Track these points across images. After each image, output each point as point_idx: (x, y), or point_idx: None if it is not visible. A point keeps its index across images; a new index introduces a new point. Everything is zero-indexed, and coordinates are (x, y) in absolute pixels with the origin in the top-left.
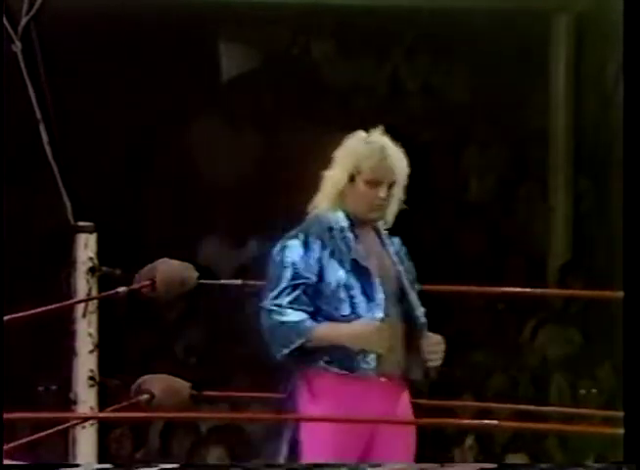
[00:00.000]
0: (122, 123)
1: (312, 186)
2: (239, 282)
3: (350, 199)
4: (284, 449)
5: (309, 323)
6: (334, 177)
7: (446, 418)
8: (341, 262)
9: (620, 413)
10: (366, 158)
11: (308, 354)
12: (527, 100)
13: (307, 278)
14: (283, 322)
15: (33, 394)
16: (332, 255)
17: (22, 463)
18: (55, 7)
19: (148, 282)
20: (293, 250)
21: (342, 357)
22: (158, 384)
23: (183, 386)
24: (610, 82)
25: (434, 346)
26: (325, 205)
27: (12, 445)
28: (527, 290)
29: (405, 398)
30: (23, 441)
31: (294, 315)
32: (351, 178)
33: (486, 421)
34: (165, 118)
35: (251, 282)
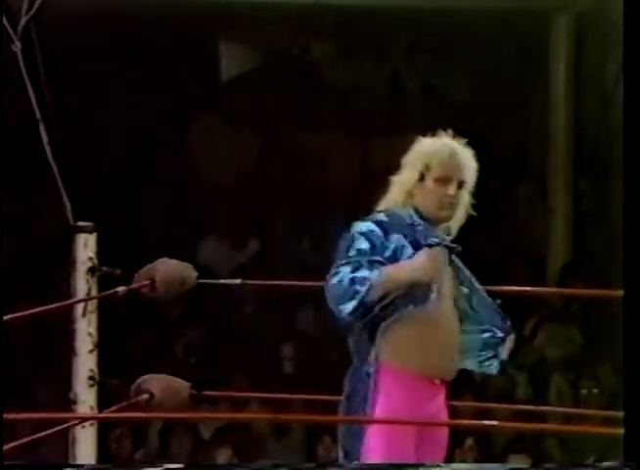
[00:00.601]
0: (122, 123)
1: (312, 186)
2: (239, 282)
3: (419, 198)
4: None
5: (368, 273)
6: (402, 178)
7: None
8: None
9: (620, 413)
10: (435, 154)
11: (375, 310)
12: (527, 100)
13: (379, 260)
14: (345, 279)
15: (33, 394)
16: (412, 246)
17: (22, 463)
18: (55, 7)
19: (147, 282)
20: (371, 233)
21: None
22: (157, 384)
23: (183, 386)
24: (610, 82)
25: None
26: (395, 204)
27: (12, 444)
28: (528, 289)
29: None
30: (23, 441)
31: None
32: (421, 177)
33: (486, 421)
34: (165, 118)
35: (251, 282)
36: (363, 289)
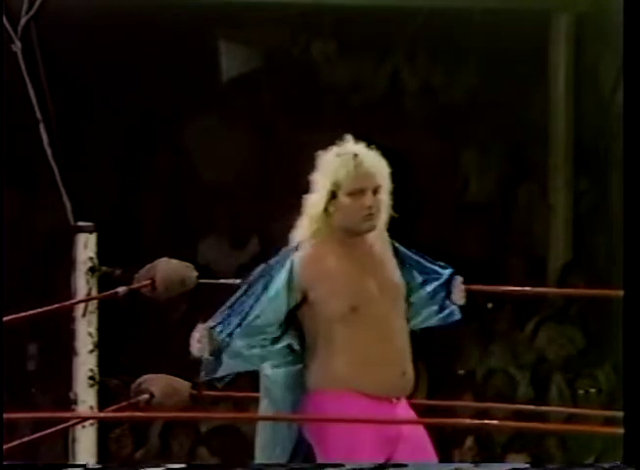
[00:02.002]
0: (122, 123)
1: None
2: (239, 282)
3: (337, 216)
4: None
5: None
6: (315, 199)
7: (446, 418)
8: None
9: (620, 413)
10: (340, 169)
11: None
12: (527, 100)
13: None
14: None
15: (33, 394)
16: None
17: (22, 463)
18: (55, 7)
19: (148, 282)
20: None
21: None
22: (158, 384)
23: (183, 386)
24: (610, 83)
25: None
26: (310, 234)
27: (12, 444)
28: (528, 289)
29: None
30: (23, 440)
31: None
32: (333, 195)
33: (486, 421)
34: (165, 118)
35: None
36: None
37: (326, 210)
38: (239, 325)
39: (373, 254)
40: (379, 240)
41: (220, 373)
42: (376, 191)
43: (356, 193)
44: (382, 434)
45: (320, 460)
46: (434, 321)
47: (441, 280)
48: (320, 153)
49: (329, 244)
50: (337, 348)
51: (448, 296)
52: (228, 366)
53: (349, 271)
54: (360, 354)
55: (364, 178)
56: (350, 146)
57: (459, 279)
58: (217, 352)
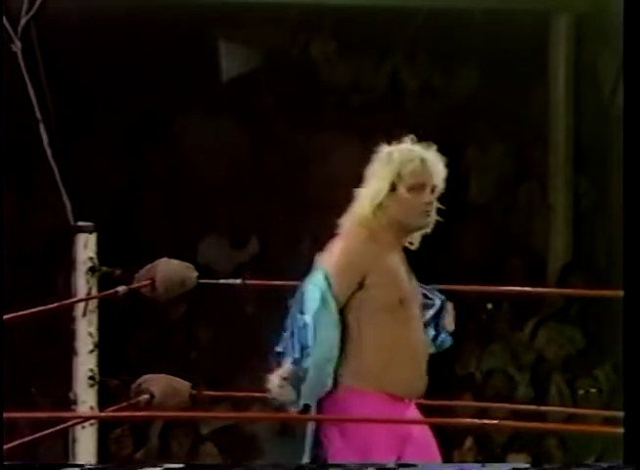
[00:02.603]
0: (122, 123)
1: (312, 186)
2: (239, 282)
3: (393, 209)
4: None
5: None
6: (372, 189)
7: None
8: None
9: (620, 413)
10: (406, 162)
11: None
12: (527, 100)
13: None
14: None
15: (33, 394)
16: None
17: (22, 463)
18: (55, 7)
19: (147, 282)
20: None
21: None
22: (158, 384)
23: (183, 386)
24: (610, 83)
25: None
26: (363, 218)
27: (12, 444)
28: (528, 289)
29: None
30: (23, 440)
31: None
32: (392, 187)
33: (486, 421)
34: (165, 118)
35: (251, 282)
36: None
37: (381, 203)
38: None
39: (404, 259)
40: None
41: (301, 404)
42: (433, 190)
43: (417, 188)
44: (395, 433)
45: (333, 458)
46: (430, 349)
47: (436, 307)
48: (380, 146)
49: (379, 235)
50: (374, 342)
51: (439, 321)
52: (307, 395)
53: (396, 264)
54: (393, 352)
55: (427, 175)
56: (411, 144)
57: (450, 305)
58: (299, 386)
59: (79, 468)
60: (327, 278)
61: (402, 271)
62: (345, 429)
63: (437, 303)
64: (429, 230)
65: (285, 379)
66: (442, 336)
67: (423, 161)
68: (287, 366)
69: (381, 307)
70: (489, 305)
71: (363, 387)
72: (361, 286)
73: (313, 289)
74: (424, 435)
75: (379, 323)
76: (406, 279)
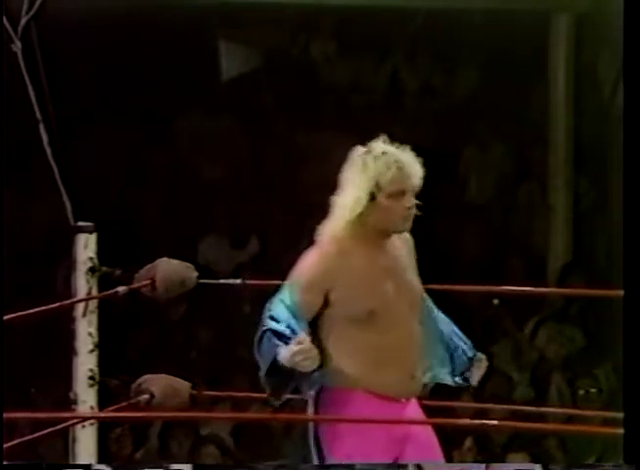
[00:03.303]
0: (122, 123)
1: (312, 186)
2: (239, 282)
3: (375, 217)
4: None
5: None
6: (351, 201)
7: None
8: None
9: (620, 414)
10: (383, 171)
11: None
12: (527, 100)
13: None
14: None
15: (33, 394)
16: None
17: (22, 463)
18: (55, 7)
19: (147, 282)
20: None
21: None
22: (158, 384)
23: (183, 386)
24: (609, 83)
25: None
26: (342, 230)
27: (12, 444)
28: (528, 289)
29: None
30: (23, 440)
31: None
32: (371, 196)
33: (486, 421)
34: (165, 118)
35: (251, 282)
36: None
37: (361, 212)
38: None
39: (395, 256)
40: (400, 241)
41: (288, 391)
42: (412, 192)
43: (397, 195)
44: (391, 433)
45: (329, 459)
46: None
47: (465, 362)
48: (351, 152)
49: (354, 244)
50: (350, 349)
51: (466, 373)
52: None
53: (371, 274)
54: (372, 357)
55: (406, 180)
56: (384, 146)
57: (483, 362)
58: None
59: (79, 468)
60: (292, 294)
61: (380, 278)
62: (338, 429)
63: (469, 355)
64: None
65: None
66: (460, 379)
67: (400, 167)
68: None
69: (348, 321)
70: (496, 301)
71: (352, 387)
72: (327, 303)
73: (278, 303)
74: (425, 435)
75: (349, 334)
76: (383, 286)
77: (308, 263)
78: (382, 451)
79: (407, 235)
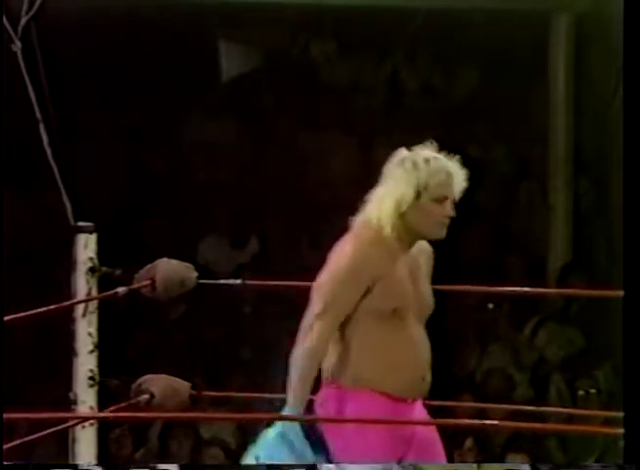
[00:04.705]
0: (122, 123)
1: (312, 186)
2: (239, 282)
3: (414, 216)
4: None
5: None
6: (396, 195)
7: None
8: None
9: (620, 414)
10: (434, 173)
11: None
12: (527, 100)
13: None
14: None
15: (33, 394)
16: None
17: (22, 463)
18: (55, 7)
19: (147, 282)
20: None
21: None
22: (158, 384)
23: (183, 386)
24: (610, 83)
25: None
26: (387, 219)
27: (12, 444)
28: (527, 290)
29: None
30: (23, 440)
31: None
32: (418, 196)
33: (487, 421)
34: (165, 118)
35: (251, 282)
36: None
37: (404, 210)
38: None
39: (417, 261)
40: (418, 250)
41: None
42: (453, 202)
43: (440, 200)
44: (397, 434)
45: (334, 458)
46: None
47: None
48: (394, 159)
49: (391, 239)
50: (369, 345)
51: None
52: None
53: (402, 272)
54: (388, 356)
55: (452, 188)
56: (434, 152)
57: None
58: None
59: (72, 469)
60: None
61: (406, 279)
62: (343, 429)
63: None
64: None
65: None
66: None
67: (449, 173)
68: None
69: (370, 315)
70: (490, 305)
71: (361, 387)
72: (365, 295)
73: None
74: (430, 436)
75: (368, 329)
76: (408, 287)
77: (353, 255)
78: (387, 452)
79: (428, 246)
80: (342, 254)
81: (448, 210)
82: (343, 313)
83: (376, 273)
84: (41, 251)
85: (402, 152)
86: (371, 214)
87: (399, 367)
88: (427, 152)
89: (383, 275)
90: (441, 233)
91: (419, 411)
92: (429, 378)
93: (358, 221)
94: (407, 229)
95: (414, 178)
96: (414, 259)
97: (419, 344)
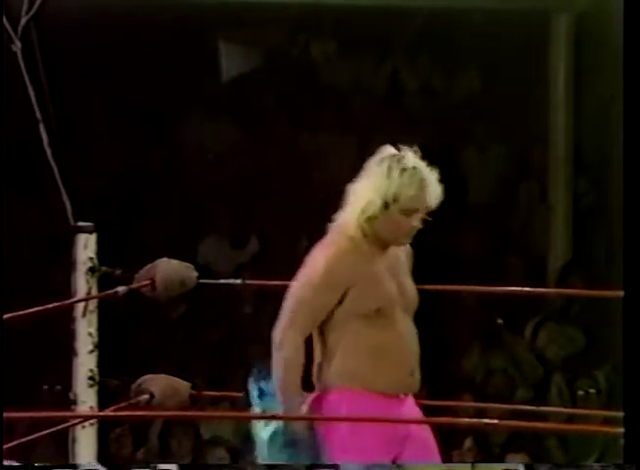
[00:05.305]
0: (122, 123)
1: (312, 186)
2: (239, 282)
3: (381, 225)
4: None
5: None
6: (364, 202)
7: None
8: None
9: (620, 413)
10: (406, 186)
11: None
12: (527, 100)
13: None
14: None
15: (33, 393)
16: None
17: (21, 463)
18: (55, 7)
19: (147, 282)
20: None
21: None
22: (158, 384)
23: (183, 386)
24: (609, 83)
25: None
26: (354, 231)
27: (11, 444)
28: (528, 290)
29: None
30: (24, 440)
31: None
32: (386, 205)
33: (486, 421)
34: (165, 118)
35: (251, 282)
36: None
37: (371, 216)
38: None
39: (396, 257)
40: (401, 249)
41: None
42: (424, 212)
43: (410, 212)
44: (391, 433)
45: (329, 458)
46: None
47: None
48: (377, 156)
49: (365, 242)
50: (354, 347)
51: None
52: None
53: (380, 272)
54: (375, 354)
55: (424, 200)
56: (416, 160)
57: None
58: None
59: (72, 468)
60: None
61: (385, 278)
62: (337, 429)
63: None
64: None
65: None
66: None
67: (423, 187)
68: None
69: (354, 318)
70: (500, 321)
71: (351, 387)
72: (341, 300)
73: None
74: (424, 434)
75: (353, 330)
76: (389, 285)
77: (326, 261)
78: (382, 451)
79: (408, 246)
80: (314, 261)
81: (415, 222)
82: (316, 321)
83: (349, 279)
84: (41, 251)
85: (387, 150)
86: (341, 221)
87: (389, 365)
88: (407, 159)
89: (357, 280)
90: (406, 242)
91: (411, 408)
92: (418, 373)
93: (333, 225)
94: (374, 235)
95: (384, 188)
96: (393, 256)
97: (407, 339)
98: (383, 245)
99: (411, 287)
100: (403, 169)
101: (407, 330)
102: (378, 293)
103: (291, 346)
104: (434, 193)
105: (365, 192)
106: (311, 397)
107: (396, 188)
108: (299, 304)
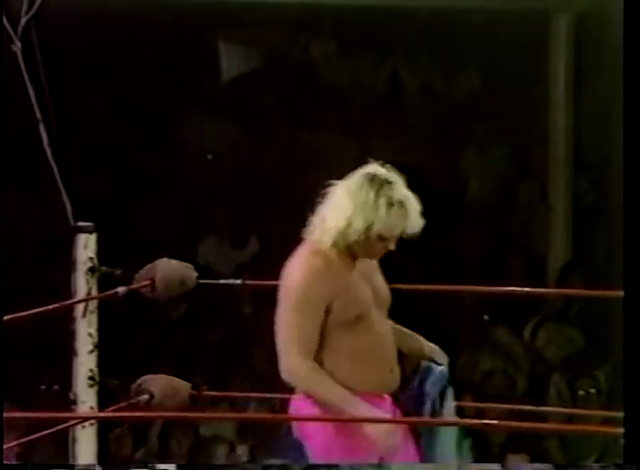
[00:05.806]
0: (122, 123)
1: (312, 186)
2: (239, 282)
3: (357, 245)
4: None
5: None
6: (347, 223)
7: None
8: None
9: (620, 414)
10: (388, 217)
11: None
12: (527, 100)
13: None
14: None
15: (33, 394)
16: None
17: (21, 463)
18: (55, 7)
19: (147, 282)
20: None
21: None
22: (158, 384)
23: (183, 386)
24: (609, 83)
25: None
26: (329, 248)
27: (12, 444)
28: (528, 290)
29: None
30: (24, 440)
31: None
32: (366, 231)
33: (487, 421)
34: (165, 118)
35: (251, 282)
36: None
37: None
38: None
39: (369, 263)
40: None
41: None
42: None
43: (387, 238)
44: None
45: (313, 460)
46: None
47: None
48: (364, 172)
49: (336, 254)
50: (338, 353)
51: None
52: None
53: (355, 280)
54: (359, 357)
55: (404, 230)
56: (398, 187)
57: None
58: None
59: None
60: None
61: (360, 284)
62: (324, 431)
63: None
64: None
65: None
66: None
67: (404, 217)
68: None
69: (336, 326)
70: (486, 317)
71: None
72: (326, 313)
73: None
74: (403, 435)
75: (335, 338)
76: (364, 290)
77: (305, 282)
78: (370, 451)
79: None
80: (292, 282)
81: (392, 245)
82: (314, 338)
83: (328, 295)
84: (41, 251)
85: (375, 169)
86: (320, 234)
87: (371, 365)
88: (395, 190)
89: (336, 293)
90: (375, 258)
91: (392, 408)
92: (397, 369)
93: (308, 240)
94: (348, 249)
95: (369, 218)
96: (363, 261)
97: (385, 339)
98: (354, 256)
99: (382, 285)
100: (390, 204)
101: (384, 329)
102: (356, 301)
103: (303, 369)
104: (416, 224)
105: (347, 213)
106: (297, 404)
107: (382, 222)
108: (290, 330)
